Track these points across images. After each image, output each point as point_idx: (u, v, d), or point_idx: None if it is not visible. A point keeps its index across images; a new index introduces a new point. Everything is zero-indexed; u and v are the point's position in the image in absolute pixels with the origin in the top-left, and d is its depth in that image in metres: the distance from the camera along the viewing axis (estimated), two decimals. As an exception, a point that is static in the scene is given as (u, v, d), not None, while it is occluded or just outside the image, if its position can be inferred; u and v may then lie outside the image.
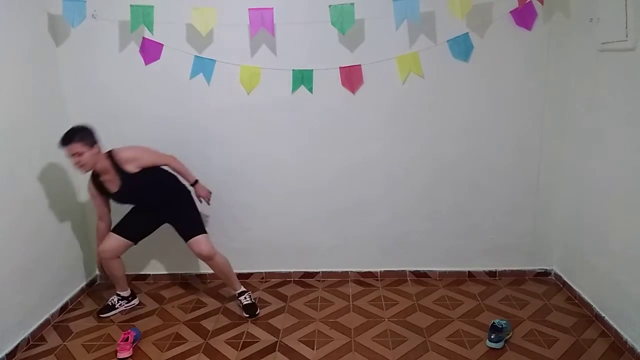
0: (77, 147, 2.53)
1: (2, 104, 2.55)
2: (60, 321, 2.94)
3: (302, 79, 2.98)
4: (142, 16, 2.84)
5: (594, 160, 2.72)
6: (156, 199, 2.86)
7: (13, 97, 2.64)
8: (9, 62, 2.61)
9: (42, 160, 2.89)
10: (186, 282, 3.42)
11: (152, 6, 2.83)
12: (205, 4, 2.82)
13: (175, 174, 2.91)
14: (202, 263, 3.39)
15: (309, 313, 2.96)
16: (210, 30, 2.90)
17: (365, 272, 3.37)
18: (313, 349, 2.58)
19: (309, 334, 2.73)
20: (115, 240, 2.87)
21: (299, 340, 2.67)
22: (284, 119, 3.11)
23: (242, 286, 3.04)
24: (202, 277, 3.43)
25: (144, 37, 2.96)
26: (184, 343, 2.67)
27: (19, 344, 2.61)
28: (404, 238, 3.29)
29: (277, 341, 2.67)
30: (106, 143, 3.19)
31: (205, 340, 2.70)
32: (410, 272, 3.36)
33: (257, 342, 2.67)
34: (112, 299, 3.03)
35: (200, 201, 2.99)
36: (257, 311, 2.94)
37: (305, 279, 3.40)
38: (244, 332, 2.77)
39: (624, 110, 2.42)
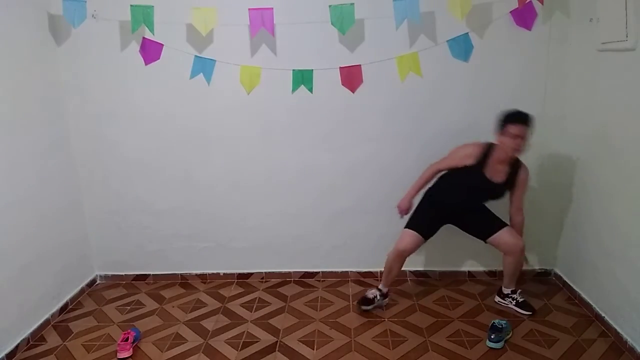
0: (528, 131, 2.56)
1: (2, 103, 2.54)
2: (60, 321, 2.94)
3: (302, 79, 2.98)
4: (143, 16, 2.84)
5: (594, 160, 2.72)
6: (474, 205, 2.85)
7: (13, 96, 2.64)
8: (10, 62, 2.61)
9: (42, 160, 2.88)
10: (186, 282, 3.41)
11: (152, 6, 2.83)
12: (205, 4, 2.82)
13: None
14: (201, 263, 3.40)
15: (309, 313, 2.96)
16: (210, 30, 2.90)
17: (365, 272, 3.37)
18: (313, 349, 2.58)
19: (309, 334, 2.73)
20: (412, 237, 2.81)
21: (299, 340, 2.67)
22: (284, 119, 3.11)
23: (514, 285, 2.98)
24: (202, 277, 3.43)
25: (144, 37, 2.96)
26: (184, 343, 2.67)
27: (19, 344, 2.61)
28: (404, 238, 3.29)
29: (277, 341, 2.67)
30: (106, 143, 3.21)
31: (205, 340, 2.70)
32: (410, 272, 3.36)
33: (257, 342, 2.67)
34: (373, 292, 2.96)
35: None
36: (533, 310, 2.86)
37: (305, 279, 3.40)
38: (244, 332, 2.77)
39: (624, 110, 2.42)
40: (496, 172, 2.69)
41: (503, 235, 2.78)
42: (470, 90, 3.02)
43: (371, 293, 2.96)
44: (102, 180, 3.25)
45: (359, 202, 3.24)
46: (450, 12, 2.76)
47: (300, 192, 3.23)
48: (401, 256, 2.87)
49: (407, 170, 3.16)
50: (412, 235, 2.82)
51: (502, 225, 2.81)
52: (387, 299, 3.02)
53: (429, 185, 2.88)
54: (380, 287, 3.00)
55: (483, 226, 2.84)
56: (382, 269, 3.33)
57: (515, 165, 2.70)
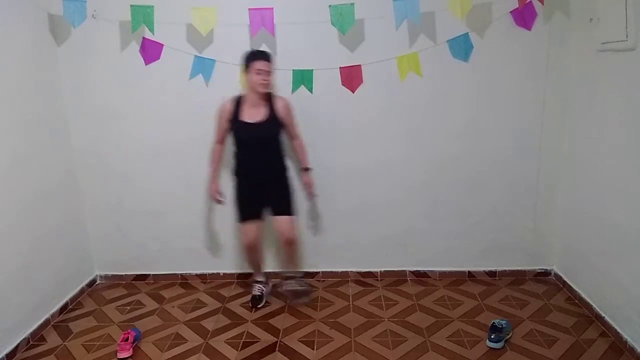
0: (271, 66, 2.71)
1: (2, 103, 2.55)
2: (60, 321, 2.94)
3: (302, 79, 2.98)
4: (143, 16, 2.84)
5: (594, 160, 2.73)
6: (270, 157, 2.87)
7: (13, 96, 2.64)
8: (10, 62, 2.61)
9: (42, 160, 2.88)
10: (186, 282, 3.42)
11: (152, 6, 2.83)
12: (205, 4, 2.83)
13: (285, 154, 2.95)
14: (201, 263, 3.40)
15: (309, 313, 2.96)
16: (210, 30, 2.91)
17: (365, 272, 3.37)
18: (313, 349, 2.58)
19: (309, 334, 2.73)
20: (250, 228, 2.93)
21: (299, 340, 2.67)
22: (284, 119, 3.11)
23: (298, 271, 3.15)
24: (202, 277, 3.43)
25: (144, 37, 2.96)
26: (184, 343, 2.67)
27: (19, 344, 2.61)
28: (404, 238, 3.29)
29: (277, 341, 2.67)
30: (106, 143, 3.21)
31: (205, 340, 2.70)
32: (410, 272, 3.36)
33: (257, 342, 2.67)
34: (258, 288, 3.11)
35: (305, 191, 3.06)
36: (304, 297, 3.06)
37: (305, 279, 3.40)
38: (244, 332, 2.77)
39: (624, 110, 2.42)
40: (254, 114, 2.76)
41: (282, 221, 2.92)
42: (471, 90, 3.02)
43: (257, 290, 3.10)
44: (102, 180, 3.25)
45: (359, 202, 3.24)
46: (450, 12, 2.77)
47: (300, 192, 3.23)
48: (252, 248, 2.99)
49: (406, 170, 3.17)
50: (249, 227, 2.93)
51: (288, 212, 2.93)
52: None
53: (233, 168, 2.94)
54: (257, 279, 3.14)
55: (275, 203, 2.94)
56: (382, 269, 3.36)
57: (270, 101, 2.78)
